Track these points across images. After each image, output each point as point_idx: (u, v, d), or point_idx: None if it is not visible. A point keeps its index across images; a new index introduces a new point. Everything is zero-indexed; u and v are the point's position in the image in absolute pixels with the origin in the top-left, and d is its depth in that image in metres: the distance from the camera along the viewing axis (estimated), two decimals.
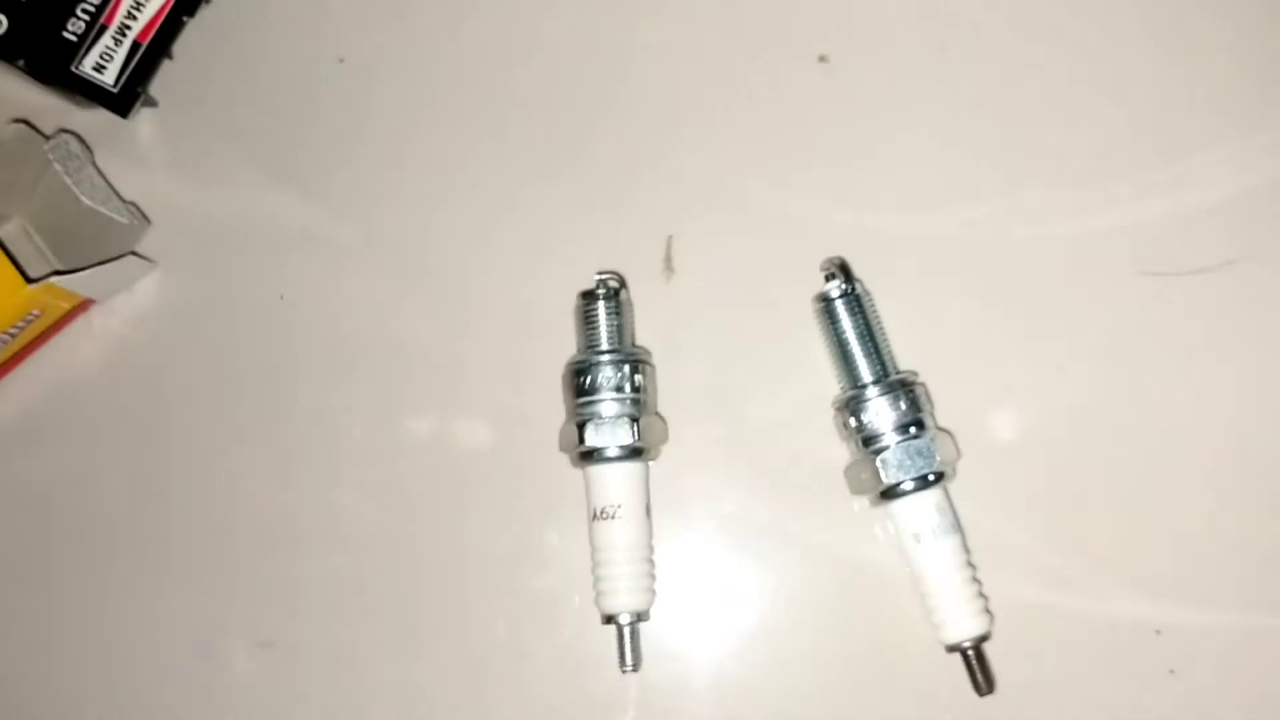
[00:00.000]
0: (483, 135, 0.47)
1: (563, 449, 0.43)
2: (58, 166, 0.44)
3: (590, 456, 0.42)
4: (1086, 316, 0.44)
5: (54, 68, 0.45)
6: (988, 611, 0.41)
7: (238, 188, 0.48)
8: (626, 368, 0.43)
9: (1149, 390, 0.44)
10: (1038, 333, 0.44)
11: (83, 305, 0.46)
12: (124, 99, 0.46)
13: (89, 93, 0.46)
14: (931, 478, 0.41)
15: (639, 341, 0.45)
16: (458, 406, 0.46)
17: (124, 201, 0.46)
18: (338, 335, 0.46)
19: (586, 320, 0.44)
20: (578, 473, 0.43)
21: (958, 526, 0.42)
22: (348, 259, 0.47)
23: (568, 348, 0.44)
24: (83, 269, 0.44)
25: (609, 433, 0.42)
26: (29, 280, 0.43)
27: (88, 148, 0.46)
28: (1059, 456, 0.44)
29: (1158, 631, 0.42)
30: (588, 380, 0.43)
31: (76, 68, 0.45)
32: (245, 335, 0.47)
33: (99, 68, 0.45)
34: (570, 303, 0.44)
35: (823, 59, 0.47)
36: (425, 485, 0.45)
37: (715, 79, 0.47)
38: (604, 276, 0.44)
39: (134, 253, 0.47)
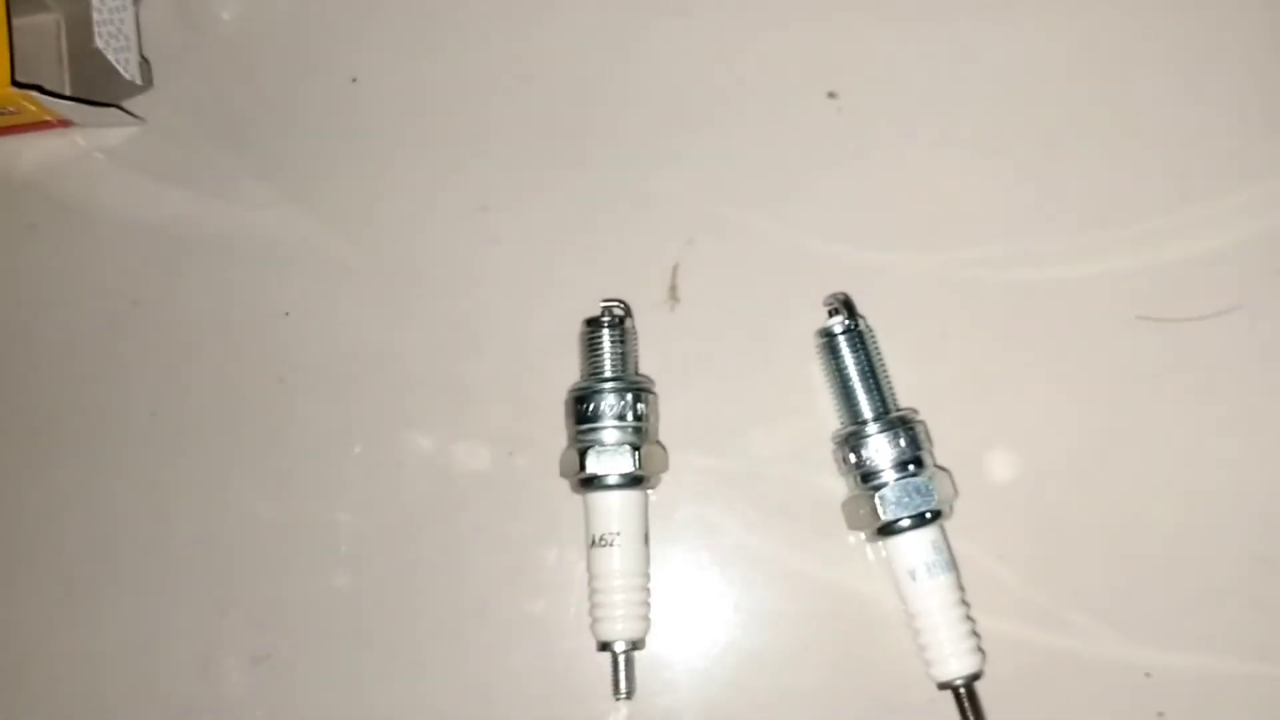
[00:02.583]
0: (494, 160, 0.48)
1: (563, 474, 0.43)
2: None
3: (590, 483, 0.42)
4: (1085, 360, 0.45)
5: None
6: (980, 650, 0.41)
7: (246, 203, 0.48)
8: (629, 396, 0.43)
9: (1145, 435, 0.44)
10: (1036, 375, 0.45)
11: (64, 121, 0.48)
12: None
13: None
14: (928, 515, 0.41)
15: (642, 369, 0.45)
16: (459, 428, 0.46)
17: (141, 58, 0.48)
18: (341, 354, 0.47)
19: (590, 347, 0.44)
20: (578, 498, 0.43)
21: (953, 564, 0.42)
22: (354, 278, 0.47)
23: (571, 373, 0.45)
24: (65, 98, 0.46)
25: (610, 460, 0.42)
26: (15, 83, 0.44)
27: None
28: (1054, 498, 0.44)
29: (1148, 674, 0.43)
30: (590, 407, 0.43)
31: None
32: (249, 350, 0.47)
33: None
34: (575, 329, 0.45)
35: (832, 95, 0.47)
36: (424, 506, 0.45)
37: (726, 111, 0.48)
38: (609, 304, 0.45)
39: (121, 106, 0.48)
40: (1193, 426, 0.44)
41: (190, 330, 0.48)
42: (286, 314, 0.47)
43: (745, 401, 0.46)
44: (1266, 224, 0.45)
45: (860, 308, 0.44)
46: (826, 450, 0.44)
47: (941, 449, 0.44)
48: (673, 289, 0.46)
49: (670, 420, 0.45)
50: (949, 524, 0.43)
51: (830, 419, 0.44)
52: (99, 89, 0.47)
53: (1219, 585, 0.43)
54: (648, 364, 0.46)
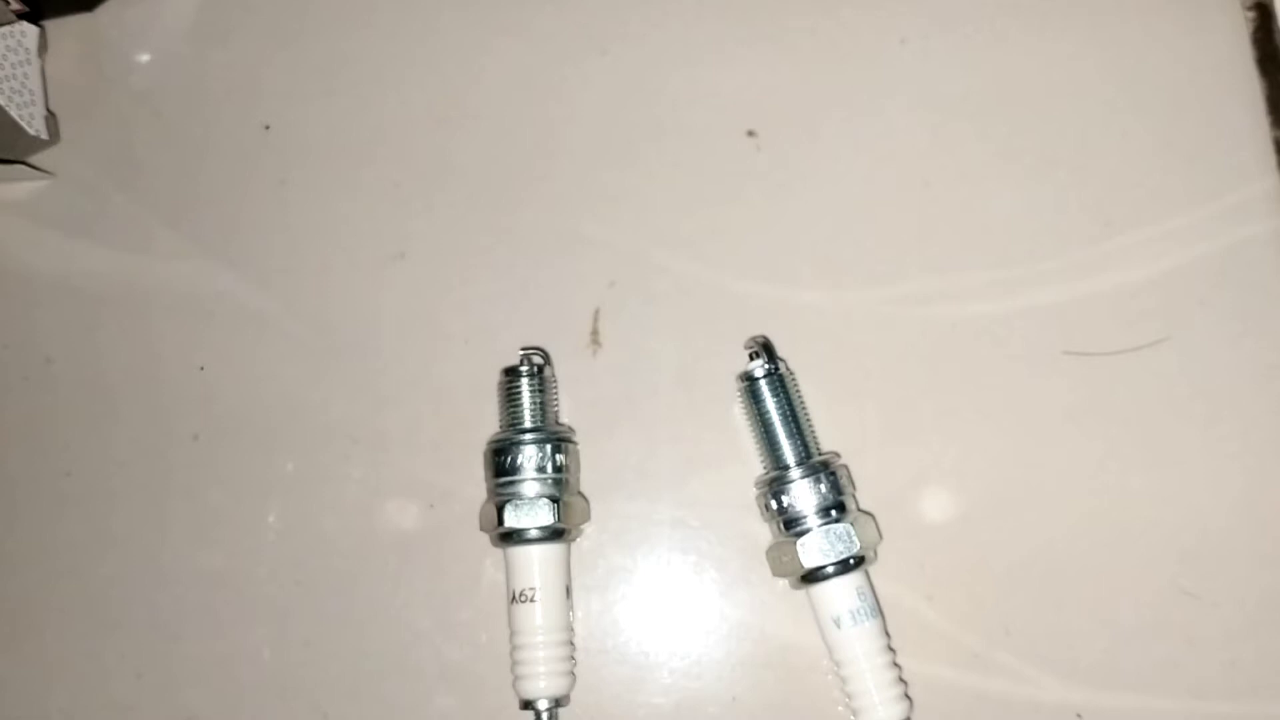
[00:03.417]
0: (409, 206, 0.47)
1: (483, 528, 0.43)
2: None
3: (509, 538, 0.42)
4: (1011, 396, 0.44)
5: None
6: (907, 697, 0.41)
7: (159, 255, 0.48)
8: (549, 447, 0.42)
9: (1074, 472, 0.44)
10: (962, 412, 0.44)
11: None
12: None
13: None
14: (852, 562, 0.41)
15: (565, 416, 0.45)
16: (379, 481, 0.45)
17: (47, 111, 0.47)
18: (257, 407, 0.46)
19: (509, 397, 0.43)
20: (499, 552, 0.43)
21: (878, 610, 0.41)
22: (270, 329, 0.47)
23: (494, 422, 0.44)
24: None
25: (529, 514, 0.42)
26: None
27: (45, 46, 0.47)
28: (982, 538, 0.44)
29: (1079, 715, 0.42)
30: (508, 460, 0.42)
31: None
32: (164, 406, 0.46)
33: None
34: (495, 377, 0.44)
35: (751, 134, 0.47)
36: (344, 562, 0.45)
37: (645, 152, 0.47)
38: (527, 352, 0.44)
39: (27, 162, 0.47)
40: (1121, 461, 0.44)
41: (105, 387, 0.47)
42: (201, 368, 0.46)
43: (669, 447, 0.45)
44: (1190, 255, 0.45)
45: (782, 348, 0.44)
46: (752, 495, 0.43)
47: (866, 491, 0.43)
48: (594, 333, 0.46)
49: (593, 468, 0.44)
50: (875, 567, 0.42)
51: (755, 463, 0.43)
52: (4, 146, 0.46)
53: (1150, 622, 0.43)
54: (570, 410, 0.45)
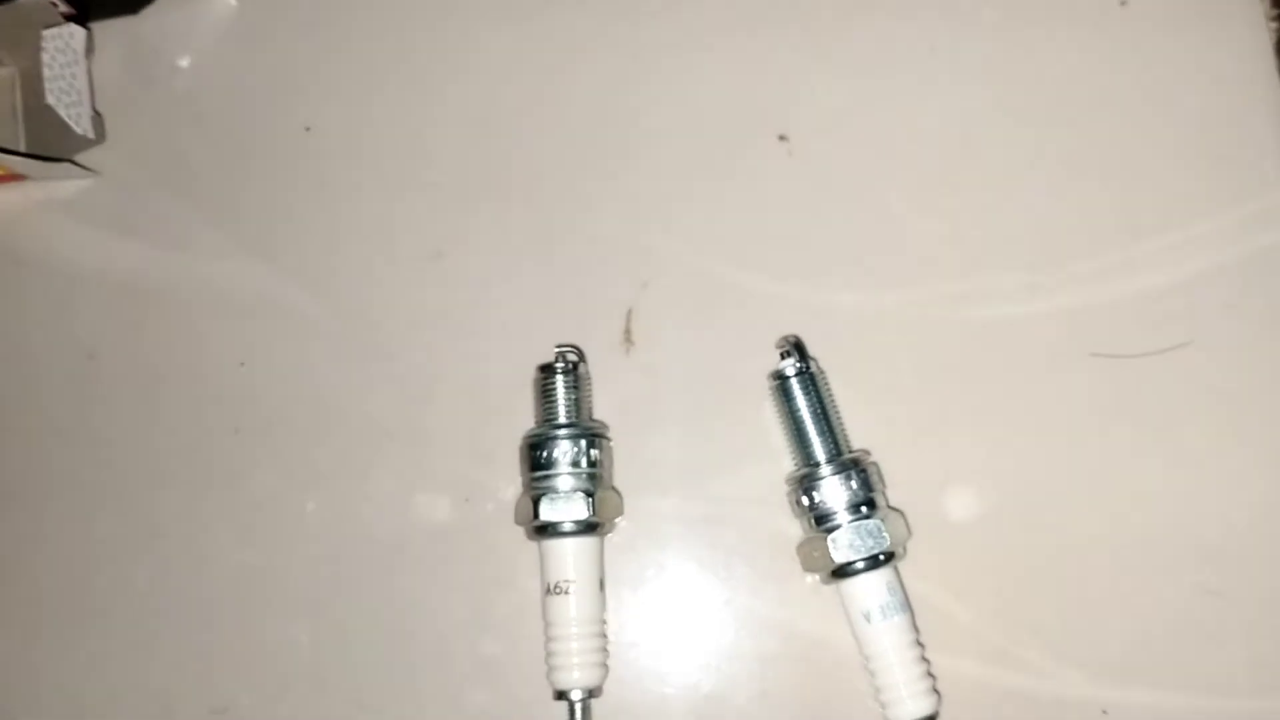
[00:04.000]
0: (447, 206, 0.48)
1: (518, 522, 0.44)
2: (45, 55, 0.46)
3: (544, 531, 0.42)
4: (1038, 397, 0.45)
5: None
6: (936, 691, 0.41)
7: (201, 253, 0.48)
8: (583, 442, 0.43)
9: (1099, 472, 0.44)
10: (990, 413, 0.45)
11: (17, 175, 0.48)
12: None
13: None
14: (881, 557, 0.41)
15: (597, 414, 0.45)
16: (416, 475, 0.46)
17: (94, 111, 0.48)
18: (296, 403, 0.47)
19: (544, 394, 0.44)
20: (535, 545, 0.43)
21: (907, 605, 0.42)
22: (309, 327, 0.47)
23: (529, 418, 0.45)
24: (14, 153, 0.46)
25: (563, 507, 0.42)
26: None
27: (92, 47, 0.48)
28: (1009, 536, 0.44)
29: (1104, 711, 0.43)
30: (544, 454, 0.43)
31: None
32: (205, 401, 0.47)
33: None
34: (531, 373, 0.45)
35: (783, 138, 0.48)
36: (381, 554, 0.46)
37: (676, 155, 0.48)
38: (562, 349, 0.45)
39: (74, 160, 0.48)
40: (1145, 462, 0.44)
41: (147, 382, 0.48)
42: (242, 364, 0.47)
43: (701, 444, 0.46)
44: (1215, 260, 0.45)
45: (813, 348, 0.45)
46: (783, 492, 0.44)
47: (895, 489, 0.44)
48: (627, 332, 0.47)
49: (626, 465, 0.45)
50: (904, 564, 0.43)
51: (786, 460, 0.44)
52: (52, 144, 0.47)
53: (1173, 620, 0.44)
54: (603, 408, 0.46)
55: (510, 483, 0.45)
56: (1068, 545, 0.44)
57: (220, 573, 0.46)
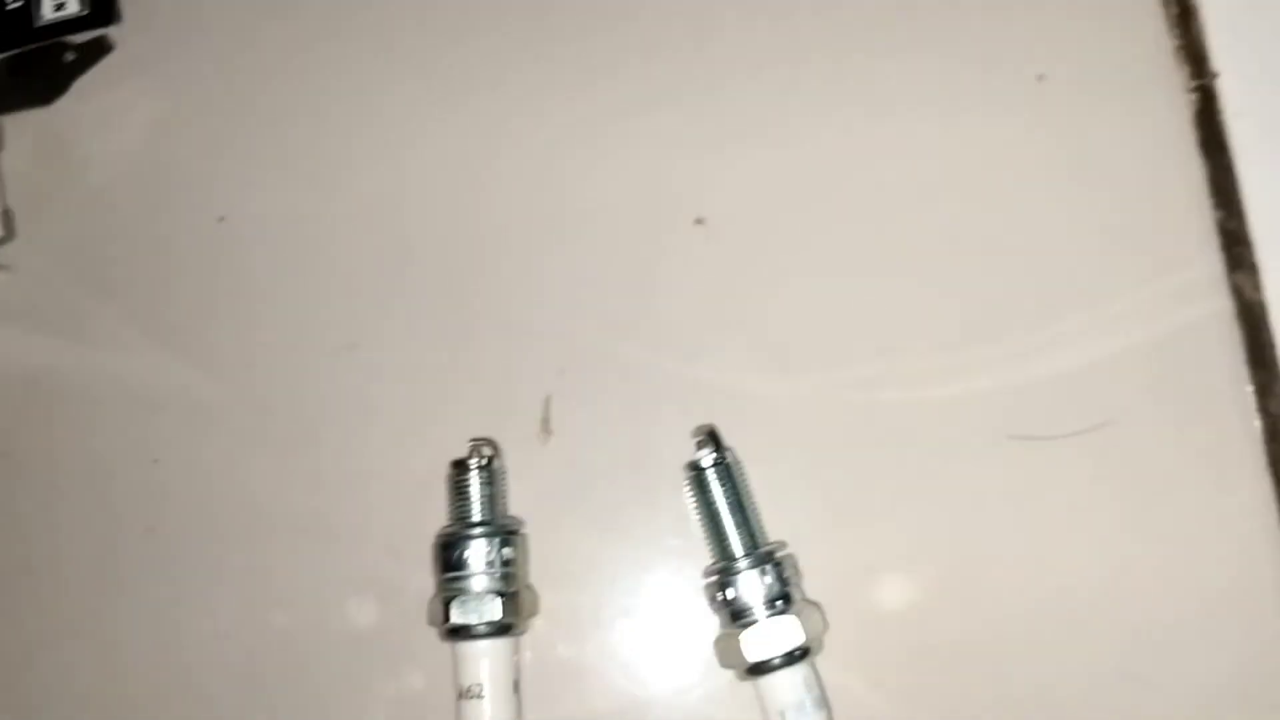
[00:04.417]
0: (361, 297, 0.48)
1: (430, 623, 0.43)
2: None
3: (457, 633, 0.42)
4: (957, 481, 0.45)
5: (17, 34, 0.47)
6: None
7: (114, 348, 0.48)
8: (496, 541, 0.43)
9: (1021, 557, 0.44)
10: (908, 497, 0.45)
11: None
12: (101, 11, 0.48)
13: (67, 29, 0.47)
14: (797, 654, 0.41)
15: (515, 505, 0.45)
16: (333, 576, 0.46)
17: (4, 207, 0.48)
18: (211, 500, 0.46)
19: (457, 491, 0.44)
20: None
21: (824, 702, 0.41)
22: (224, 422, 0.47)
23: (443, 513, 0.44)
24: None
25: (475, 609, 0.42)
26: None
27: (1, 142, 0.48)
28: (930, 623, 0.44)
29: None
30: (456, 555, 0.43)
31: (38, 22, 0.47)
32: (118, 499, 0.47)
33: (59, 6, 0.47)
34: (445, 467, 0.44)
35: (699, 221, 0.47)
36: (296, 658, 0.45)
37: (594, 240, 0.48)
38: (477, 444, 0.44)
39: None
40: (1067, 544, 0.44)
41: (59, 481, 0.47)
42: (155, 461, 0.47)
43: (619, 536, 0.45)
44: (1134, 338, 0.45)
45: (730, 435, 0.44)
46: (700, 586, 0.43)
47: (815, 579, 0.43)
48: (545, 421, 0.46)
49: (544, 558, 0.45)
50: (823, 655, 0.42)
51: (703, 552, 0.44)
52: None
53: (1097, 705, 0.43)
54: (520, 499, 0.45)
55: (427, 580, 0.44)
56: (990, 631, 0.44)
57: (132, 676, 0.45)
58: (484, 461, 0.44)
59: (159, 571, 0.46)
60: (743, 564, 0.42)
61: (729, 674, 0.43)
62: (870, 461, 0.45)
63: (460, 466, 0.44)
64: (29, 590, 0.46)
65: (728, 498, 0.43)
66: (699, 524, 0.43)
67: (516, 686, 0.43)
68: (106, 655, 0.46)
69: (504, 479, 0.44)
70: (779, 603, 0.41)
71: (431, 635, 0.43)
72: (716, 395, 0.46)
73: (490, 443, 0.45)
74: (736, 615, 0.42)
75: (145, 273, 0.49)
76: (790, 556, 0.43)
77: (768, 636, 0.41)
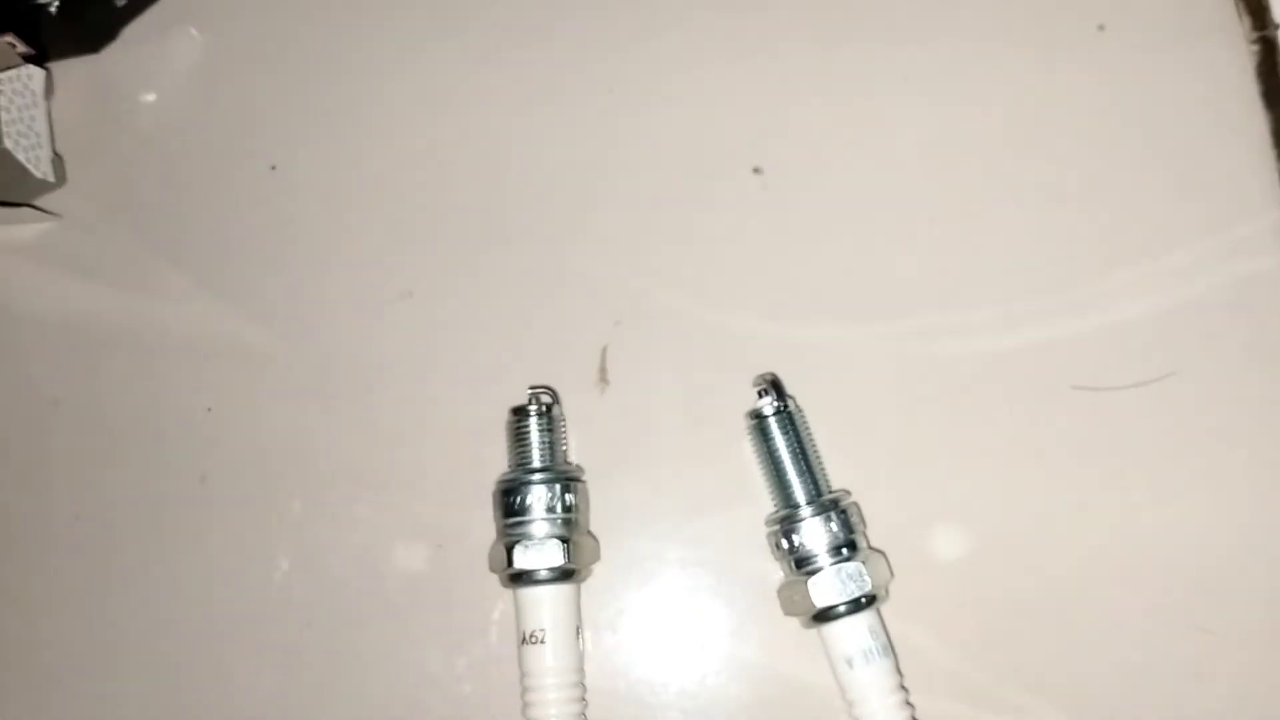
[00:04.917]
0: (416, 245, 0.47)
1: (492, 569, 0.43)
2: (2, 98, 0.45)
3: (519, 579, 0.42)
4: (1020, 432, 0.44)
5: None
6: None
7: (165, 296, 0.47)
8: (558, 487, 0.42)
9: (1083, 507, 0.44)
10: (971, 448, 0.44)
11: None
12: None
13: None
14: (864, 601, 0.41)
15: (572, 455, 0.45)
16: (388, 522, 0.45)
17: (54, 154, 0.47)
18: (264, 449, 0.46)
19: (517, 437, 0.43)
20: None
21: (890, 649, 0.41)
22: (277, 370, 0.47)
23: (503, 461, 0.44)
24: None
25: (538, 555, 0.41)
26: None
27: (51, 89, 0.47)
28: (991, 574, 0.43)
29: None
30: (517, 500, 0.42)
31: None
32: (171, 448, 0.46)
33: None
34: (504, 415, 0.44)
35: (757, 170, 0.47)
36: (352, 604, 0.45)
37: (650, 190, 0.47)
38: (536, 391, 0.44)
39: (33, 205, 0.47)
40: (1130, 496, 0.44)
41: (111, 429, 0.47)
42: (209, 409, 0.46)
43: (679, 485, 0.45)
44: (1197, 289, 0.45)
45: (791, 385, 0.44)
46: (762, 534, 0.43)
47: (876, 528, 0.43)
48: (602, 371, 0.46)
49: (602, 508, 0.44)
50: (887, 605, 0.42)
51: (765, 501, 0.43)
52: (11, 188, 0.46)
53: (1161, 658, 0.43)
54: (578, 449, 0.45)
55: (484, 528, 0.43)
56: (1051, 582, 0.43)
57: (187, 624, 0.45)
58: (544, 407, 0.43)
59: (213, 520, 0.45)
60: (806, 511, 0.42)
61: (792, 622, 0.43)
62: (932, 412, 0.45)
63: (520, 413, 0.43)
64: (84, 538, 0.46)
65: (790, 446, 0.42)
66: (762, 472, 0.43)
67: (579, 632, 0.42)
68: (160, 603, 0.45)
69: (564, 425, 0.44)
70: (845, 550, 0.41)
71: (491, 582, 0.43)
72: (773, 345, 0.45)
73: (549, 390, 0.44)
74: (801, 563, 0.41)
75: (196, 220, 0.48)
76: (855, 504, 0.42)
77: (834, 583, 0.41)
